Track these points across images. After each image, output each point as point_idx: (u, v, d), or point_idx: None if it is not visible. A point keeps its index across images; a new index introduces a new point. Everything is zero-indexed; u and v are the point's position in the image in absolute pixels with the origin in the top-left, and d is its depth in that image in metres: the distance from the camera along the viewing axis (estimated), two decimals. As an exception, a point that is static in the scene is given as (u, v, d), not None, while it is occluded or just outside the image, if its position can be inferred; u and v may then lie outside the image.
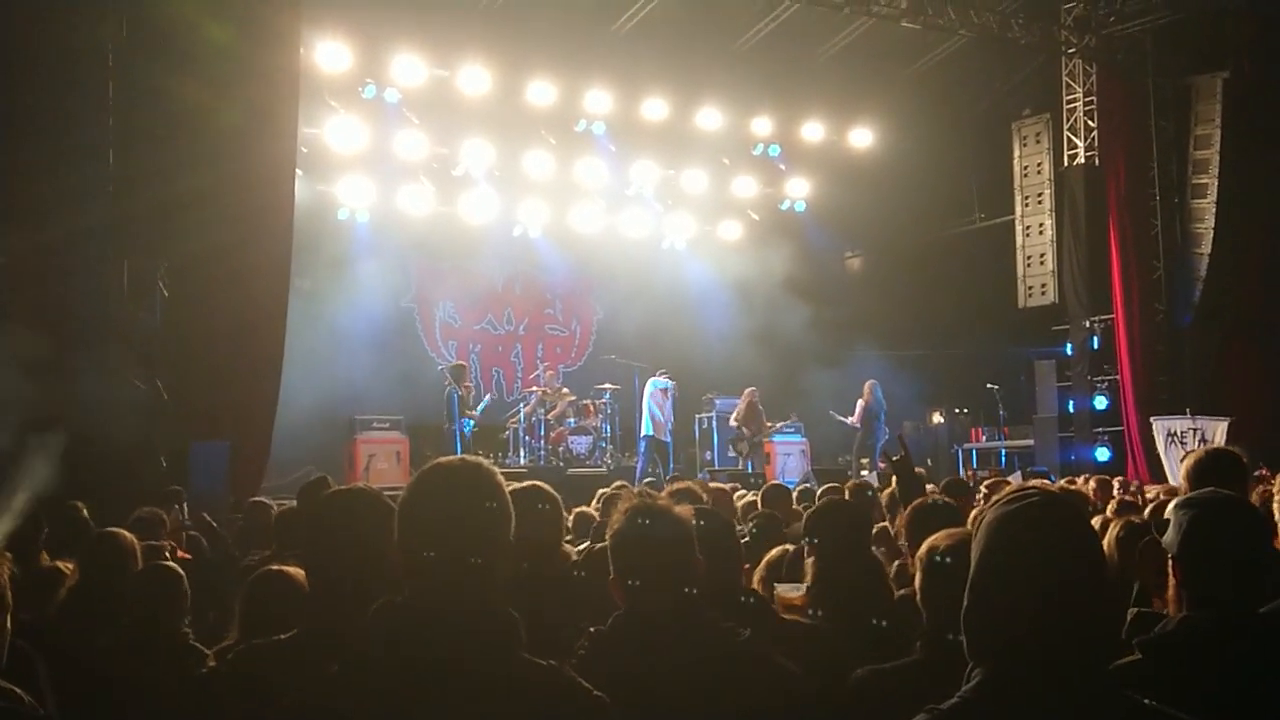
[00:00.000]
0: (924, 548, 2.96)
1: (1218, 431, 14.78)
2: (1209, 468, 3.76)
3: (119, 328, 11.02)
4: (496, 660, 2.08)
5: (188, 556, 6.08)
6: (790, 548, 4.49)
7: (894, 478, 5.30)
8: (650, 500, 2.87)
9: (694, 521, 2.86)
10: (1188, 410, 15.34)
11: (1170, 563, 2.63)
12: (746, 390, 17.02)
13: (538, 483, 4.17)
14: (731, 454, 17.80)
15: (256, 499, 8.94)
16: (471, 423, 15.57)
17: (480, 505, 2.18)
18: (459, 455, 2.42)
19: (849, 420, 16.94)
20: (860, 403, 16.87)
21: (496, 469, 2.30)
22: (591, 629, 2.75)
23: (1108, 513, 6.28)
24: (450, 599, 2.11)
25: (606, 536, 2.88)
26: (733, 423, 17.05)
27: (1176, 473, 11.60)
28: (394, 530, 2.23)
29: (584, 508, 6.91)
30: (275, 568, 3.70)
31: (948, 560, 2.81)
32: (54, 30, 10.42)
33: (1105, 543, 4.44)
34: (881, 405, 16.90)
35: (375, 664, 2.07)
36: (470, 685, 2.03)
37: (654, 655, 2.61)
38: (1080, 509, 2.02)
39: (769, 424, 17.17)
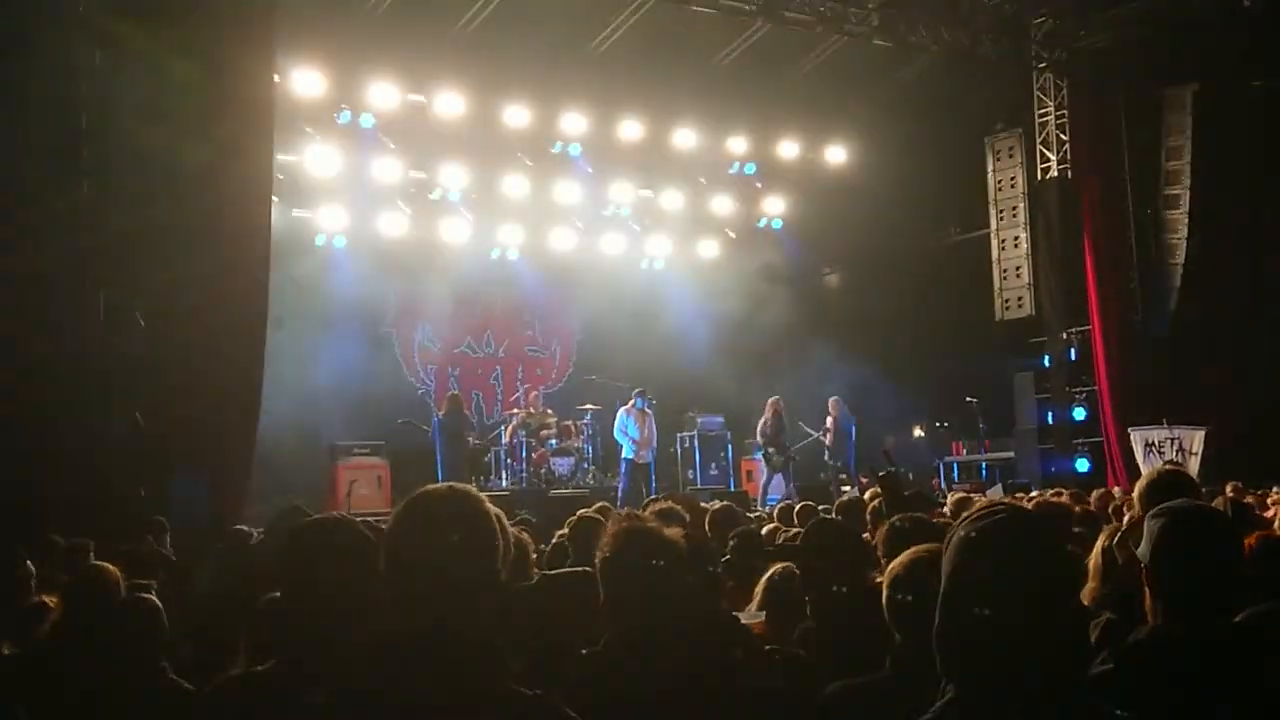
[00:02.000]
0: (890, 565, 2.99)
1: (1195, 440, 14.84)
2: (1163, 488, 3.77)
3: (96, 359, 10.97)
4: (483, 690, 2.07)
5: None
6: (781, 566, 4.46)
7: (873, 490, 5.30)
8: (639, 523, 2.87)
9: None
10: (1165, 420, 15.40)
11: (1144, 572, 2.66)
12: (770, 400, 16.76)
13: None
14: (714, 471, 17.79)
15: (236, 527, 8.89)
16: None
17: (467, 534, 2.17)
18: (446, 483, 2.40)
19: (824, 437, 16.90)
20: (829, 419, 16.87)
21: (484, 496, 2.29)
22: (583, 651, 2.75)
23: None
24: (437, 629, 2.10)
25: (595, 559, 2.88)
26: (759, 438, 16.79)
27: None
28: (370, 559, 2.21)
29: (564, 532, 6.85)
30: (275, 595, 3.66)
31: (913, 577, 2.83)
32: (26, 63, 10.40)
33: (1093, 553, 4.46)
34: (850, 420, 16.89)
35: (361, 695, 2.06)
36: (457, 716, 2.02)
37: (646, 676, 2.61)
38: (1046, 523, 2.04)
39: (785, 440, 16.68)
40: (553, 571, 4.73)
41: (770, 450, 16.45)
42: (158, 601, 4.29)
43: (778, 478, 16.80)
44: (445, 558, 2.12)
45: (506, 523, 2.30)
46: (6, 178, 10.21)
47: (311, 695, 2.14)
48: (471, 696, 2.04)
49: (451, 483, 2.38)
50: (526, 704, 2.11)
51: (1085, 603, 3.56)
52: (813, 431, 17.07)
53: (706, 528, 6.77)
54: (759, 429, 16.70)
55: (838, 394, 17.31)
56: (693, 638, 2.74)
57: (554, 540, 6.45)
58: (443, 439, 15.66)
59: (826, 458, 17.09)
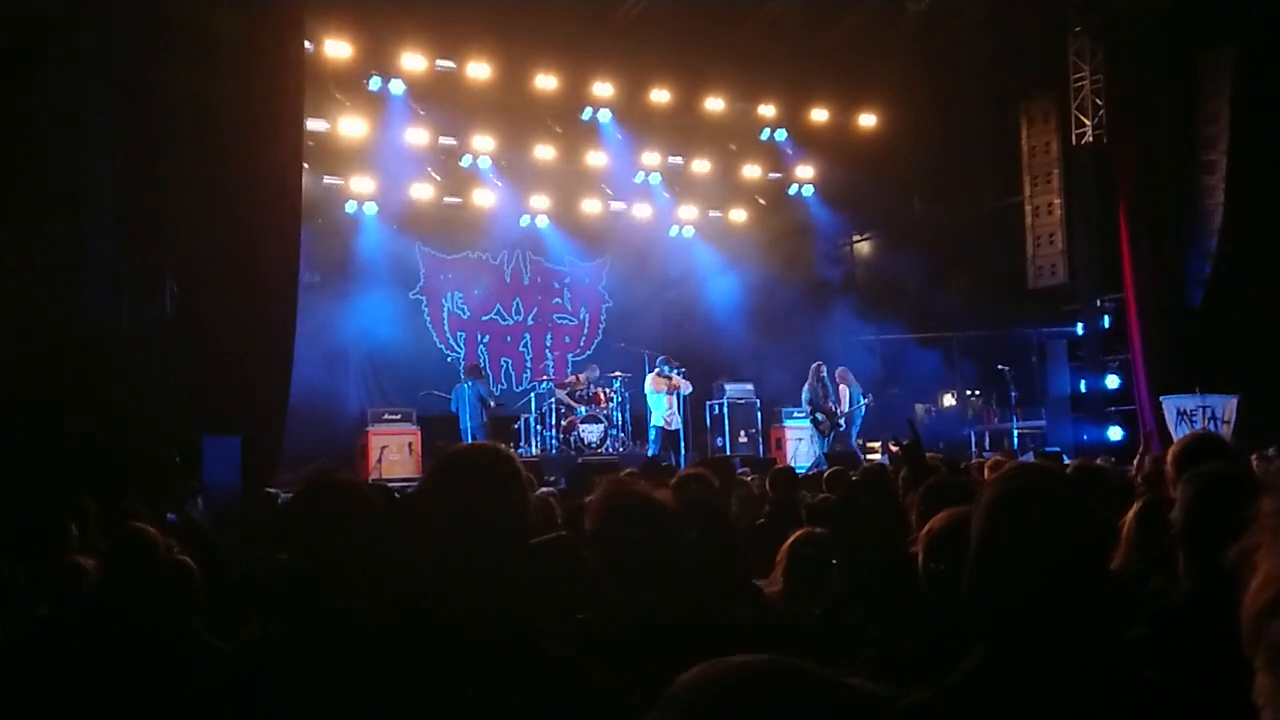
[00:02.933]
0: (926, 527, 2.97)
1: (1227, 409, 14.69)
2: (1195, 453, 3.73)
3: (129, 324, 11.06)
4: (511, 650, 2.06)
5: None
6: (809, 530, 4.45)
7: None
8: (626, 486, 2.87)
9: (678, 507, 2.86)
10: (1196, 388, 15.24)
11: (1178, 535, 2.64)
12: (813, 366, 16.52)
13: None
14: (744, 439, 17.76)
15: (266, 490, 8.97)
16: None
17: (498, 491, 2.16)
18: (477, 442, 2.40)
19: (839, 409, 16.72)
20: (843, 388, 16.73)
21: (515, 455, 2.29)
22: (580, 616, 2.75)
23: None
24: (466, 588, 2.10)
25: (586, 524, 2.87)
26: (806, 405, 16.55)
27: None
28: (378, 521, 2.22)
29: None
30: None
31: (949, 539, 2.81)
32: (61, 25, 10.44)
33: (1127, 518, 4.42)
34: (858, 390, 16.79)
35: (388, 655, 2.06)
36: (484, 676, 2.02)
37: (639, 640, 2.60)
38: (1077, 483, 2.02)
39: (833, 405, 16.41)
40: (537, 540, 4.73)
41: (818, 416, 16.33)
42: (193, 564, 4.33)
43: (807, 446, 16.75)
44: (474, 514, 2.12)
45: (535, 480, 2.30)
46: (40, 142, 10.25)
47: (332, 658, 2.14)
48: (497, 656, 2.04)
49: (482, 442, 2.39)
50: (553, 664, 2.11)
51: (1117, 567, 3.55)
52: (835, 407, 16.82)
53: (768, 488, 6.78)
54: (805, 395, 16.56)
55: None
56: (691, 599, 2.73)
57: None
58: (470, 407, 15.76)
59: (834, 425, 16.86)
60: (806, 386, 16.35)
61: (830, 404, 16.34)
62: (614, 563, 2.74)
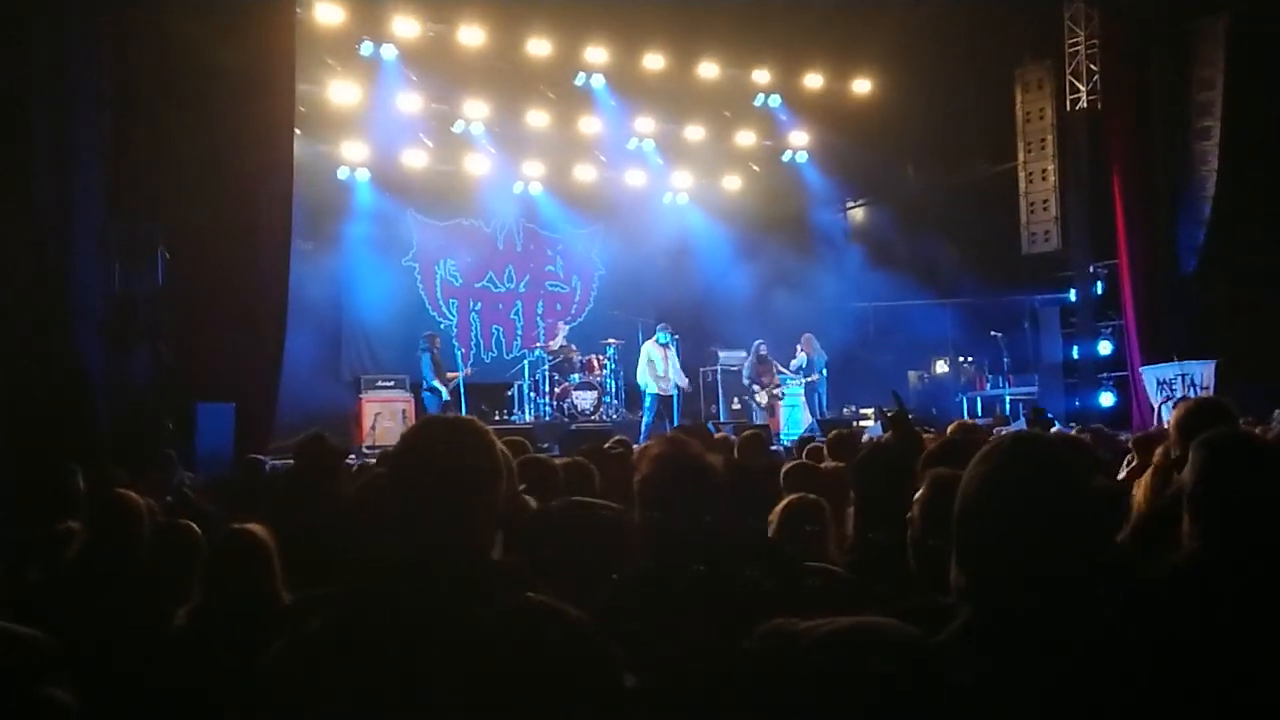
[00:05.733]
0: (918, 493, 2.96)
1: (1205, 374, 14.68)
2: (1197, 417, 3.72)
3: (120, 291, 11.01)
4: (478, 610, 2.04)
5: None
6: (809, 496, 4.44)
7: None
8: (680, 446, 2.85)
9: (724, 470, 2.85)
10: (1174, 356, 15.25)
11: (1186, 500, 2.62)
12: (754, 344, 16.84)
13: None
14: (736, 406, 17.77)
15: (250, 456, 8.93)
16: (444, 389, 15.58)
17: (469, 460, 2.15)
18: (450, 413, 2.39)
19: (781, 389, 16.79)
20: (806, 356, 16.78)
21: (486, 425, 2.28)
22: (614, 576, 2.74)
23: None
24: (439, 553, 2.09)
25: (634, 481, 2.86)
26: (745, 380, 16.81)
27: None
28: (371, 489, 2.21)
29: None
30: (237, 526, 3.67)
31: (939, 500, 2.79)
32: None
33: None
34: (822, 358, 16.90)
35: (360, 620, 2.05)
36: (453, 639, 2.00)
37: (679, 601, 2.60)
38: (1063, 447, 2.01)
39: (777, 378, 16.76)
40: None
41: (755, 389, 16.48)
42: (195, 528, 4.31)
43: (800, 412, 16.77)
44: (444, 483, 2.11)
45: (530, 449, 2.28)
46: (28, 107, 10.15)
47: (312, 619, 2.13)
48: (465, 616, 2.02)
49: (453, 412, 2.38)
50: (528, 609, 2.10)
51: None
52: (789, 373, 16.89)
53: (736, 452, 6.75)
54: (745, 373, 16.72)
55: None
56: (724, 563, 2.72)
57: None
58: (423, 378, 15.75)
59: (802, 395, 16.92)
60: (747, 364, 16.52)
61: (773, 378, 16.49)
62: (655, 519, 2.72)
